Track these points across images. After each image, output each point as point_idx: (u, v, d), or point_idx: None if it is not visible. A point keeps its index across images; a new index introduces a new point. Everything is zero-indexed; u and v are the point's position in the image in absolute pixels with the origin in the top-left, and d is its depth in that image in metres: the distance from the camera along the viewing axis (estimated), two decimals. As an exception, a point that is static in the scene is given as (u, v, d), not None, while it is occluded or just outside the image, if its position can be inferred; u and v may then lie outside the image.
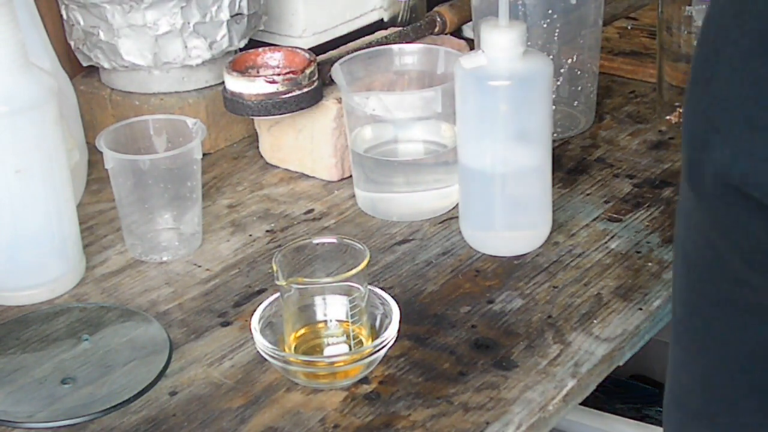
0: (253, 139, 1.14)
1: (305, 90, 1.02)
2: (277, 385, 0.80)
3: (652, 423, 1.25)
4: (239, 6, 1.10)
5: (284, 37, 1.17)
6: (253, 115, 1.03)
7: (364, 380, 0.80)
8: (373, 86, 1.03)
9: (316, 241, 0.84)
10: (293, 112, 1.03)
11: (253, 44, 1.12)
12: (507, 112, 0.90)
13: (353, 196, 1.04)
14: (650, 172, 1.06)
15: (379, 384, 0.80)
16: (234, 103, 1.03)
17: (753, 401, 0.67)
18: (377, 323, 0.82)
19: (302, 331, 0.83)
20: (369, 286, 0.82)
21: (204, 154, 0.97)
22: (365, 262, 0.80)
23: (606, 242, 0.95)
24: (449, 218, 1.00)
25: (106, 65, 1.11)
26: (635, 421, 1.23)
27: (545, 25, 1.08)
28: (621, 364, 0.84)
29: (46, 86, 0.88)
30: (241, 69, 1.04)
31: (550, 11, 1.08)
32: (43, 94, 0.87)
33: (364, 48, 1.07)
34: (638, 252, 0.94)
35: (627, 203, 1.01)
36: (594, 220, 0.99)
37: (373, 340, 0.80)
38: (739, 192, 0.59)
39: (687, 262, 0.68)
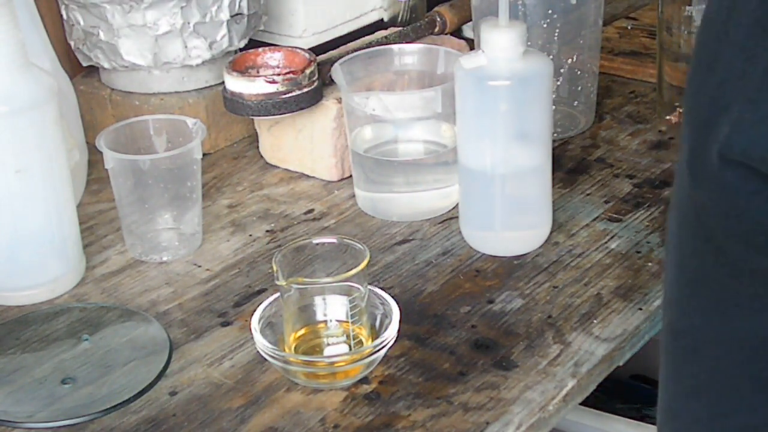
0: (253, 139, 1.14)
1: (305, 90, 1.02)
2: (277, 385, 0.80)
3: (652, 423, 1.24)
4: (239, 6, 1.10)
5: (284, 37, 1.17)
6: (253, 115, 1.03)
7: (364, 380, 0.80)
8: (373, 86, 1.03)
9: (316, 241, 0.84)
10: (293, 112, 1.02)
11: (253, 44, 1.12)
12: (507, 112, 0.90)
13: (353, 196, 1.04)
14: (650, 172, 1.06)
15: (379, 384, 0.80)
16: (234, 103, 1.03)
17: (754, 400, 0.67)
18: (377, 323, 0.82)
19: (302, 331, 0.83)
20: (369, 286, 0.82)
21: (204, 154, 0.97)
22: (365, 262, 0.80)
23: (606, 242, 0.95)
24: (449, 218, 1.00)
25: (106, 65, 1.11)
26: (635, 421, 1.23)
27: (545, 25, 1.08)
28: (621, 364, 0.84)
29: (46, 86, 0.88)
30: (241, 69, 1.04)
31: (550, 11, 1.08)
32: (43, 94, 0.87)
33: (364, 48, 1.07)
34: (638, 252, 0.94)
35: (627, 203, 1.01)
36: (594, 220, 0.99)
37: (373, 340, 0.80)
38: (743, 168, 0.59)
39: (680, 264, 0.68)
